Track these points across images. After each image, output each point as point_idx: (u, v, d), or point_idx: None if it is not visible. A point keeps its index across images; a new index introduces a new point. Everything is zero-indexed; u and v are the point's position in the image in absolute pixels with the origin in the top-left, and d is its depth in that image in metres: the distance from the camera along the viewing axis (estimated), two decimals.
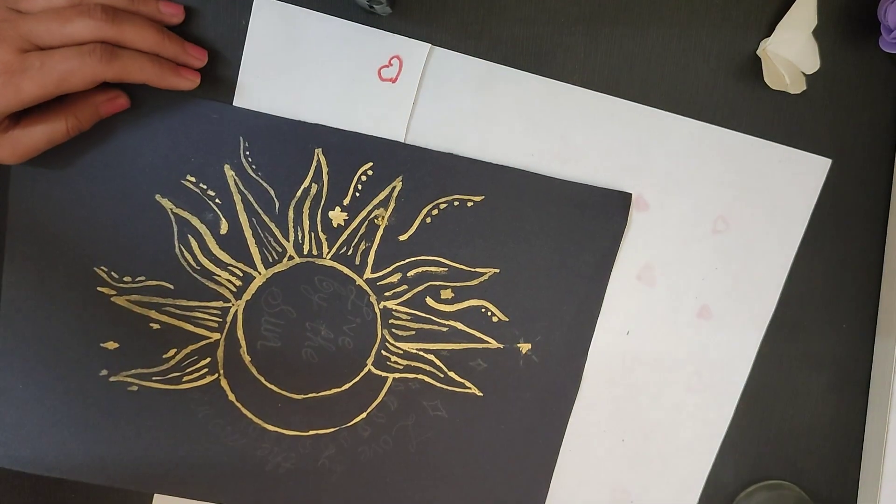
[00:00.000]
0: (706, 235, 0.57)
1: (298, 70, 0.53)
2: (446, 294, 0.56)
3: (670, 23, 0.55)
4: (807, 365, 0.60)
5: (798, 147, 0.57)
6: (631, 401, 0.59)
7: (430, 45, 0.53)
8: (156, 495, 0.57)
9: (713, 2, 0.55)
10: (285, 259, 0.54)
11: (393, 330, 0.56)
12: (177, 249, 0.54)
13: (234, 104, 0.53)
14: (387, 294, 0.55)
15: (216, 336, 0.55)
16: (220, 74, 0.53)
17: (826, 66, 0.54)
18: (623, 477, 0.59)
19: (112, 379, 0.55)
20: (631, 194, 0.55)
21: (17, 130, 0.48)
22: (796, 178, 0.57)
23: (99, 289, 0.54)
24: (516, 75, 0.54)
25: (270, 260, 0.54)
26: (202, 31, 0.53)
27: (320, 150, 0.53)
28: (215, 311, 0.55)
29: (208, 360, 0.55)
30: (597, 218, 0.55)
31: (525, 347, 0.56)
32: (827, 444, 0.61)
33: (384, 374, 0.56)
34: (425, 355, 0.56)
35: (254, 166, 0.53)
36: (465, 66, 0.54)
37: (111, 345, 0.55)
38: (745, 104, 0.56)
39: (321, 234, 0.54)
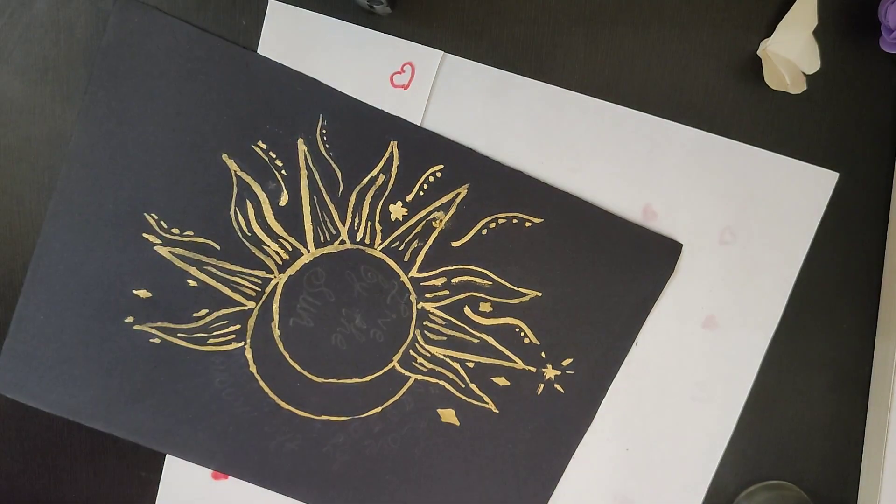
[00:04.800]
0: (713, 246, 0.58)
1: (311, 75, 0.53)
2: (485, 307, 0.56)
3: (670, 23, 0.56)
4: (807, 365, 0.60)
5: (798, 147, 0.57)
6: (635, 410, 0.59)
7: (442, 52, 0.54)
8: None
9: (713, 2, 0.56)
10: (337, 242, 0.54)
11: (425, 332, 0.56)
12: (232, 211, 0.53)
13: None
14: (427, 296, 0.56)
15: (251, 305, 0.55)
16: None
17: (826, 66, 0.55)
18: (626, 486, 0.60)
19: (136, 327, 0.54)
20: (682, 245, 0.57)
21: None
22: (803, 191, 0.58)
23: (144, 235, 0.53)
24: (527, 84, 0.55)
25: (322, 240, 0.54)
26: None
27: (396, 142, 0.54)
28: (256, 280, 0.54)
29: (238, 327, 0.55)
30: (646, 262, 0.57)
31: (550, 373, 0.57)
32: (827, 445, 0.61)
33: (407, 373, 0.56)
34: (451, 363, 0.57)
35: (327, 145, 0.53)
36: (477, 73, 0.55)
37: (143, 293, 0.54)
38: (745, 104, 0.57)
39: (377, 224, 0.54)
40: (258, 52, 0.53)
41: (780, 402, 0.60)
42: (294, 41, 0.53)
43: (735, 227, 0.58)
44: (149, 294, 0.54)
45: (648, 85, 0.56)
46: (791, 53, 0.53)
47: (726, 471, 0.60)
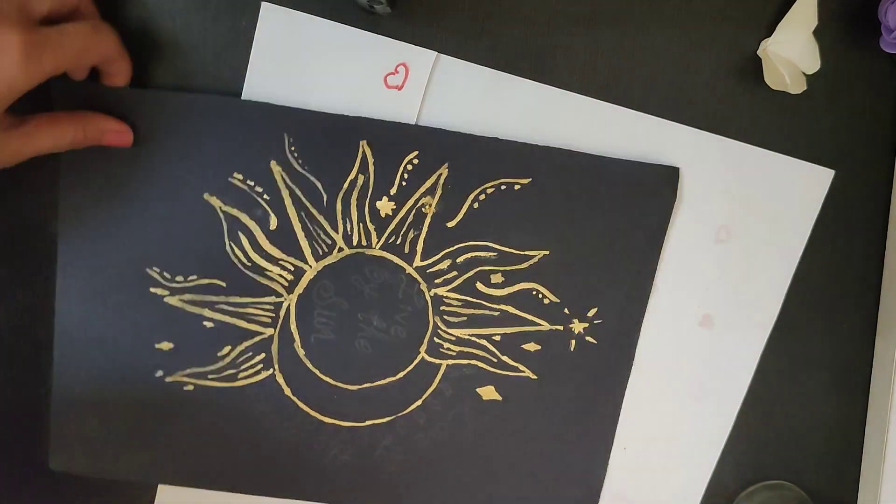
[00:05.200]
0: (709, 245, 0.58)
1: (305, 77, 0.53)
2: (496, 278, 0.56)
3: (671, 23, 0.55)
4: (807, 365, 0.60)
5: (798, 147, 0.57)
6: (632, 409, 0.59)
7: (436, 52, 0.53)
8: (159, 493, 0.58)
9: (713, 2, 0.55)
10: (335, 251, 0.55)
11: (444, 317, 0.56)
12: (227, 247, 0.54)
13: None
14: (437, 281, 0.56)
15: (270, 331, 0.55)
16: (224, 77, 0.54)
17: (826, 66, 0.54)
18: (624, 485, 0.60)
19: (168, 379, 0.55)
20: (679, 168, 0.55)
21: (16, 132, 0.47)
22: (799, 189, 0.58)
23: (152, 290, 0.54)
24: (521, 84, 0.55)
25: (321, 252, 0.55)
26: (202, 32, 0.53)
27: (365, 141, 0.53)
28: (268, 307, 0.55)
29: (263, 355, 0.55)
30: (646, 194, 0.55)
31: (578, 327, 0.56)
32: (827, 444, 0.61)
33: (438, 360, 0.57)
34: (478, 340, 0.56)
35: (300, 161, 0.53)
36: (471, 74, 0.54)
37: (166, 345, 0.55)
38: (745, 104, 0.56)
39: (370, 224, 0.54)
40: (251, 54, 0.53)
41: (780, 401, 0.60)
42: (287, 43, 0.53)
43: (730, 225, 0.58)
44: (171, 345, 0.55)
45: (648, 84, 0.56)
46: (791, 53, 0.52)
47: (726, 471, 0.60)
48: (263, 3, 0.52)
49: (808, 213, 0.58)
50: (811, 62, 0.53)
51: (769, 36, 0.54)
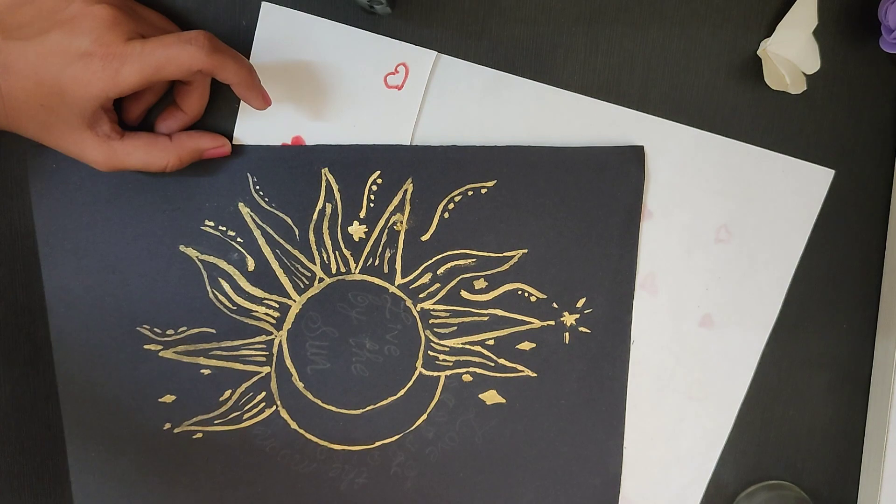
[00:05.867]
0: (709, 244, 0.57)
1: (305, 77, 0.53)
2: (479, 284, 0.56)
3: (671, 23, 0.55)
4: (807, 365, 0.59)
5: (798, 147, 0.57)
6: (633, 409, 0.59)
7: (436, 52, 0.53)
8: None
9: (713, 2, 0.55)
10: (316, 282, 0.55)
11: (435, 329, 0.56)
12: (210, 295, 0.55)
13: (238, 114, 0.53)
14: (421, 296, 0.56)
15: (266, 370, 0.56)
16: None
17: (826, 66, 0.54)
18: (624, 485, 0.60)
19: (176, 430, 0.56)
20: (643, 147, 0.55)
21: (118, 144, 0.48)
22: (799, 189, 0.57)
23: (145, 346, 0.55)
24: (521, 83, 0.54)
25: (302, 286, 0.55)
26: None
27: (326, 168, 0.54)
28: (260, 346, 0.56)
29: (263, 394, 0.56)
30: (615, 177, 0.55)
31: (569, 320, 0.56)
32: (827, 444, 0.61)
33: (435, 373, 0.57)
34: (472, 348, 0.56)
35: (266, 199, 0.54)
36: (471, 73, 0.54)
37: (168, 398, 0.56)
38: (745, 104, 0.56)
39: (345, 250, 0.55)
40: (251, 54, 0.53)
41: (780, 402, 0.60)
42: (287, 43, 0.53)
43: (730, 225, 0.57)
44: (173, 397, 0.56)
45: (648, 84, 0.55)
46: (791, 53, 0.52)
47: (726, 471, 0.60)
48: (263, 3, 0.52)
49: (808, 213, 0.58)
50: (811, 62, 0.53)
51: (769, 36, 0.54)
